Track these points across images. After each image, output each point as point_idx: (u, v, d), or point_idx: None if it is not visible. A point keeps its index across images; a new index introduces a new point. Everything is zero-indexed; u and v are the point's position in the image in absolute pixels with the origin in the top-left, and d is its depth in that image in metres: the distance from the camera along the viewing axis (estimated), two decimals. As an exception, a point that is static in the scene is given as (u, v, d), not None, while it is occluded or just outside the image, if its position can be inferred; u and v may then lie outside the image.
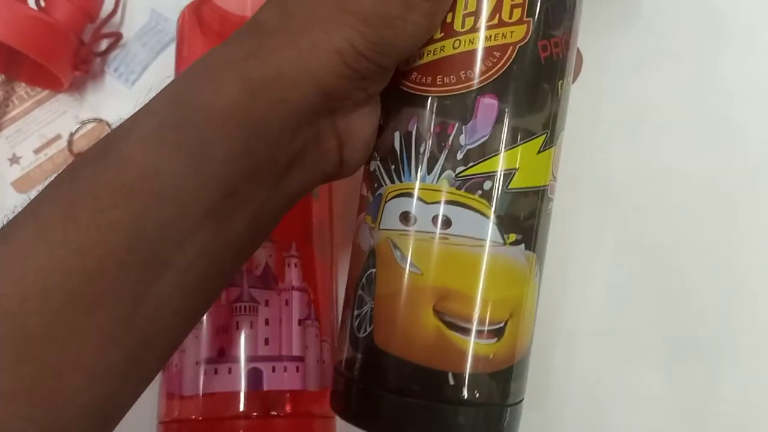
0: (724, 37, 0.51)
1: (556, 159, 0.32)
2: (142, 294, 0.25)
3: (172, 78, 0.46)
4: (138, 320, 0.26)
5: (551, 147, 0.31)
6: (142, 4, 0.54)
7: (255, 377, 0.37)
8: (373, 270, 0.31)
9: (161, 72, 0.54)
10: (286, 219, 0.40)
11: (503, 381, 0.31)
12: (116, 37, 0.53)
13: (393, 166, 0.31)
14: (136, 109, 0.28)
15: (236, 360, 0.38)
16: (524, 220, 0.31)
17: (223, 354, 0.38)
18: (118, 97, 0.54)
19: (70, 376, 0.24)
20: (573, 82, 0.34)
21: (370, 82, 0.30)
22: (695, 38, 0.51)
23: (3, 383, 0.24)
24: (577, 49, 0.34)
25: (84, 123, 0.53)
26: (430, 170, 0.30)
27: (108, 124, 0.53)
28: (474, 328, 0.30)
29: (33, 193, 0.50)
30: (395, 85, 0.31)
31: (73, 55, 0.51)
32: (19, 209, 0.26)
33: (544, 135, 0.31)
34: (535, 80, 0.30)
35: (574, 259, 0.48)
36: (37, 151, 0.53)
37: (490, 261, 0.30)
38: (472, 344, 0.30)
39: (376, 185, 0.32)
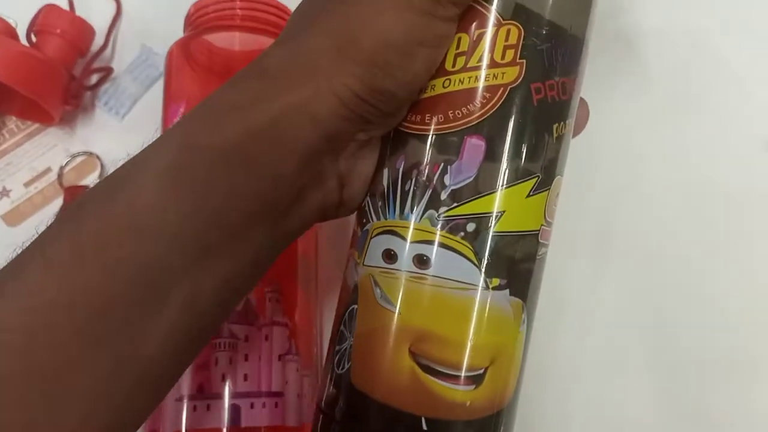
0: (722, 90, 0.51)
1: (550, 203, 0.31)
2: (143, 331, 0.26)
3: (161, 112, 0.47)
4: (139, 357, 0.26)
5: (544, 191, 0.31)
6: (132, 39, 0.55)
7: (234, 414, 0.38)
8: (355, 306, 0.31)
9: (151, 106, 0.54)
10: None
11: (481, 430, 0.30)
12: (107, 72, 0.54)
13: (380, 203, 0.31)
14: (143, 147, 0.29)
15: (216, 396, 0.38)
16: (511, 264, 0.30)
17: (202, 390, 0.38)
18: (109, 131, 0.54)
19: (74, 411, 0.25)
20: (578, 133, 0.34)
21: (372, 125, 0.30)
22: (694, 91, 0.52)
23: (10, 416, 0.24)
24: (584, 101, 0.34)
25: (74, 156, 0.53)
26: (413, 209, 0.30)
27: (98, 157, 0.53)
28: (450, 373, 0.29)
29: (23, 226, 0.52)
30: None
31: (63, 89, 0.51)
32: (27, 243, 0.27)
33: (536, 178, 0.30)
34: (527, 123, 0.30)
35: (563, 284, 0.47)
36: (27, 185, 0.53)
37: (470, 305, 0.29)
38: (447, 390, 0.29)
39: (364, 221, 0.32)
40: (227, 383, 0.38)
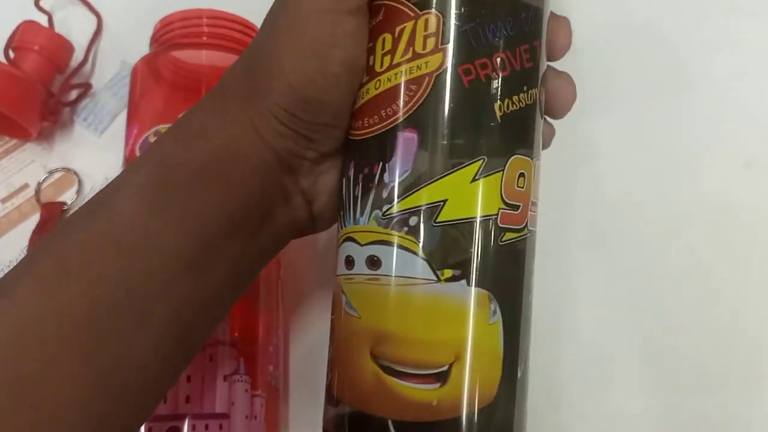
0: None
1: (509, 184, 0.30)
2: (129, 342, 0.27)
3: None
4: (126, 366, 0.27)
5: (496, 173, 0.29)
6: (112, 55, 0.55)
7: (175, 436, 0.37)
8: (333, 317, 0.32)
9: (131, 122, 0.54)
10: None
11: (447, 430, 0.29)
12: (85, 88, 0.54)
13: (341, 212, 0.32)
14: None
15: (155, 419, 0.37)
16: (464, 253, 0.29)
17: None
18: (87, 147, 0.54)
19: (65, 420, 0.26)
20: (544, 147, 0.33)
21: (317, 141, 0.31)
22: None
23: (1, 427, 0.25)
24: (549, 123, 0.33)
25: (51, 172, 0.53)
26: (362, 212, 0.30)
27: (76, 173, 0.53)
28: (411, 372, 0.29)
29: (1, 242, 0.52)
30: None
31: (41, 106, 0.51)
32: (15, 263, 0.29)
33: (480, 161, 0.29)
34: (460, 107, 0.29)
35: (558, 286, 0.48)
36: (4, 201, 0.53)
37: (422, 300, 0.29)
38: (410, 390, 0.29)
39: (338, 232, 0.32)
40: (168, 404, 0.37)
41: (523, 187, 0.30)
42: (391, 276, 0.29)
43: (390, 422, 0.29)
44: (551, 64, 0.33)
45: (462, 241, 0.29)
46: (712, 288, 0.48)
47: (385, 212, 0.29)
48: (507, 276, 0.30)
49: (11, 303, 0.26)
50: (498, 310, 0.30)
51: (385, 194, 0.29)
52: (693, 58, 0.51)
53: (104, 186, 0.30)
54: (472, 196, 0.29)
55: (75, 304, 0.26)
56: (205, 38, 0.45)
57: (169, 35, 0.45)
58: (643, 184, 0.50)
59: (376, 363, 0.29)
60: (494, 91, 0.30)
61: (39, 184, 0.53)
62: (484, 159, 0.29)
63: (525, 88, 0.30)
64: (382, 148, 0.30)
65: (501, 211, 0.29)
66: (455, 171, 0.29)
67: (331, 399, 0.31)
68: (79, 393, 0.26)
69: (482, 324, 0.29)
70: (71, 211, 0.52)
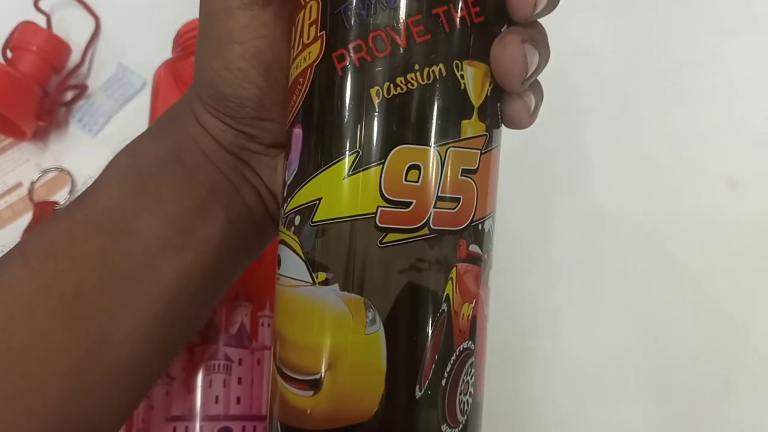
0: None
1: (393, 178, 0.26)
2: (114, 317, 0.29)
3: (136, 130, 0.48)
4: (113, 342, 0.29)
5: (375, 166, 0.26)
6: (109, 57, 0.56)
7: (225, 436, 0.38)
8: None
9: (125, 124, 0.55)
10: (262, 279, 0.41)
11: None
12: (81, 89, 0.54)
13: None
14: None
15: (207, 418, 0.38)
16: (338, 256, 0.26)
17: (193, 412, 0.39)
18: (81, 147, 0.55)
19: (54, 390, 0.28)
20: (517, 125, 0.30)
21: (258, 137, 0.31)
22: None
23: None
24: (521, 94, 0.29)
25: (45, 172, 0.54)
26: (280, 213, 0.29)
27: (69, 173, 0.54)
28: (291, 375, 0.27)
29: None
30: None
31: (36, 106, 0.52)
32: (9, 247, 0.31)
33: (354, 155, 0.26)
34: (333, 97, 0.27)
35: (551, 295, 0.49)
36: None
37: (299, 302, 0.27)
38: (290, 393, 0.27)
39: None
40: (220, 405, 0.38)
41: (417, 181, 0.27)
42: (283, 276, 0.28)
43: (279, 424, 0.28)
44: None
45: (336, 242, 0.26)
46: (698, 301, 0.49)
47: (284, 212, 0.28)
48: (391, 282, 0.26)
49: (3, 279, 0.29)
50: (378, 319, 0.26)
51: (284, 193, 0.29)
52: (679, 77, 0.53)
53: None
54: (345, 193, 0.26)
55: (61, 279, 0.28)
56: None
57: (192, 40, 0.46)
58: (628, 200, 0.51)
59: (274, 364, 0.28)
60: (370, 75, 0.26)
61: (32, 183, 0.54)
62: (358, 152, 0.26)
63: (417, 67, 0.26)
64: (285, 146, 0.29)
65: (380, 209, 0.26)
66: (329, 167, 0.27)
67: None
68: (66, 362, 0.28)
69: (356, 333, 0.26)
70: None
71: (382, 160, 0.26)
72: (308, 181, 0.27)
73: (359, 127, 0.26)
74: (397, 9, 0.26)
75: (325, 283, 0.26)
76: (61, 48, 0.54)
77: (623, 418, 0.47)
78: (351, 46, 0.26)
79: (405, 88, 0.26)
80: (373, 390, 0.26)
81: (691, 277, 0.49)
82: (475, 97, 0.28)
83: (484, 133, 0.28)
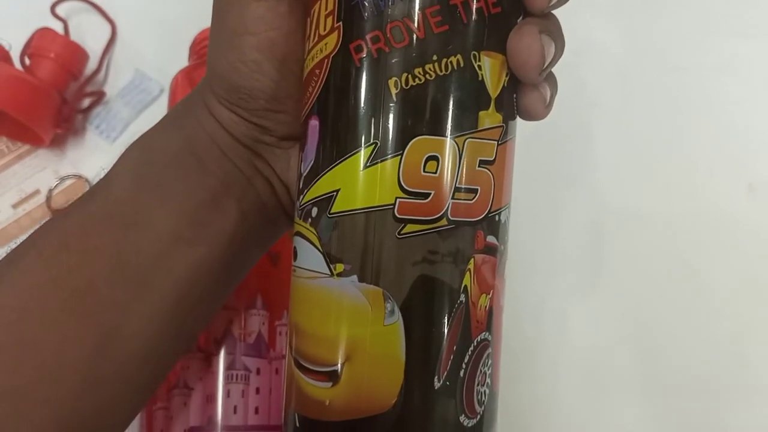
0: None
1: (409, 171, 0.27)
2: (127, 310, 0.29)
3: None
4: (125, 335, 0.29)
5: (393, 157, 0.26)
6: (126, 63, 0.56)
7: (245, 446, 0.38)
8: None
9: (143, 130, 0.54)
10: (278, 287, 0.41)
11: None
12: (99, 95, 0.55)
13: None
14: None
15: (226, 429, 0.38)
16: (356, 247, 0.27)
17: (212, 422, 0.38)
18: (99, 154, 0.55)
19: (67, 381, 0.28)
20: (532, 116, 0.30)
21: (271, 129, 0.31)
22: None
23: (2, 384, 0.27)
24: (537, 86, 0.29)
25: (63, 179, 0.54)
26: (296, 202, 0.30)
27: (87, 180, 0.54)
28: (309, 367, 0.27)
29: (9, 248, 0.51)
30: None
31: (55, 113, 0.52)
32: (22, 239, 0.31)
33: (372, 146, 0.27)
34: (350, 88, 0.27)
35: (553, 297, 0.49)
36: (15, 206, 0.53)
37: (317, 294, 0.27)
38: (308, 385, 0.28)
39: None
40: (238, 415, 0.38)
41: (435, 172, 0.27)
42: (300, 268, 0.28)
43: (296, 416, 0.28)
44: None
45: (354, 233, 0.27)
46: (713, 305, 0.49)
47: (299, 203, 0.29)
48: (409, 274, 0.27)
49: (15, 271, 0.29)
50: (396, 310, 0.27)
51: (301, 185, 0.29)
52: (698, 81, 0.53)
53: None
54: (363, 184, 0.27)
55: (74, 271, 0.29)
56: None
57: (209, 48, 0.45)
58: (646, 203, 0.51)
59: (292, 357, 0.28)
60: (388, 66, 0.27)
61: (50, 191, 0.54)
62: (377, 143, 0.27)
63: (435, 58, 0.27)
64: (301, 137, 0.29)
65: (399, 200, 0.26)
66: (346, 158, 0.27)
67: None
68: (79, 354, 0.28)
69: (375, 324, 0.27)
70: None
71: (400, 152, 0.26)
72: (325, 173, 0.27)
73: (377, 118, 0.27)
74: (398, 6, 0.26)
75: (343, 274, 0.27)
76: (79, 54, 0.54)
77: (627, 418, 0.47)
78: (368, 37, 0.27)
79: (423, 79, 0.27)
80: (391, 381, 0.27)
81: (708, 280, 0.50)
82: (493, 88, 0.28)
83: (501, 124, 0.28)
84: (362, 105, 0.27)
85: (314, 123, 0.28)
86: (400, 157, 0.26)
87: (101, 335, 0.28)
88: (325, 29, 0.27)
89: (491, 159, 0.28)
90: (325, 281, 0.27)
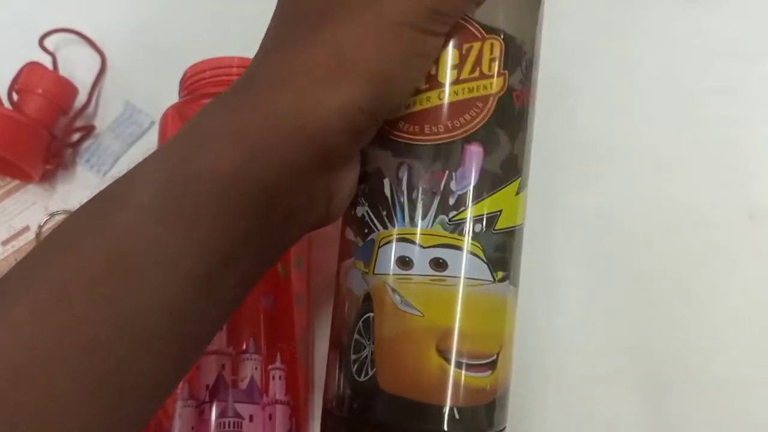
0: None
1: (526, 199, 0.35)
2: (132, 365, 0.26)
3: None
4: (131, 393, 0.27)
5: (525, 189, 0.35)
6: (116, 95, 0.57)
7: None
8: (371, 314, 0.33)
9: (134, 163, 0.53)
10: (273, 331, 0.40)
11: (493, 411, 0.34)
12: (89, 129, 0.54)
13: (384, 213, 0.33)
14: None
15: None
16: (508, 257, 0.34)
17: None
18: (90, 189, 0.55)
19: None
20: None
21: (364, 138, 0.31)
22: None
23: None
24: None
25: (53, 215, 0.54)
26: (424, 216, 0.33)
27: (78, 215, 0.53)
28: (474, 363, 0.33)
29: None
30: (381, 133, 0.33)
31: (44, 149, 0.52)
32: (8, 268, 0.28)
33: (520, 179, 0.34)
34: (511, 128, 0.34)
35: (549, 288, 0.50)
36: (4, 243, 0.53)
37: (484, 299, 0.33)
38: (473, 379, 0.33)
39: (366, 231, 0.34)
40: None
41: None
42: (458, 277, 0.33)
43: (455, 409, 0.32)
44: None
45: (508, 246, 0.34)
46: (710, 331, 0.49)
47: (451, 218, 0.33)
48: (519, 273, 0.36)
49: (6, 328, 0.25)
50: (516, 303, 0.35)
51: (451, 201, 0.33)
52: (697, 104, 0.53)
53: (110, 187, 0.29)
54: (515, 208, 0.34)
55: (74, 330, 0.25)
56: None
57: (200, 83, 0.45)
58: (645, 231, 0.51)
59: (443, 357, 0.32)
60: (526, 117, 0.35)
61: (40, 227, 0.54)
62: (521, 177, 0.35)
63: (532, 121, 0.36)
64: (449, 157, 0.33)
65: (522, 221, 0.35)
66: (507, 185, 0.34)
67: (367, 392, 0.32)
68: (82, 424, 0.25)
69: (514, 316, 0.35)
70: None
71: (526, 186, 0.35)
72: (491, 195, 0.33)
73: (523, 156, 0.35)
74: (532, 76, 0.35)
75: (502, 280, 0.34)
76: (69, 89, 0.54)
77: (629, 418, 0.48)
78: (523, 90, 0.35)
79: (529, 135, 0.35)
80: (511, 358, 0.35)
81: (709, 312, 0.50)
82: None
83: None
84: (517, 144, 0.34)
85: (477, 149, 0.33)
86: (526, 189, 0.35)
87: (105, 401, 0.26)
88: (489, 70, 0.33)
89: None
90: (490, 287, 0.33)
